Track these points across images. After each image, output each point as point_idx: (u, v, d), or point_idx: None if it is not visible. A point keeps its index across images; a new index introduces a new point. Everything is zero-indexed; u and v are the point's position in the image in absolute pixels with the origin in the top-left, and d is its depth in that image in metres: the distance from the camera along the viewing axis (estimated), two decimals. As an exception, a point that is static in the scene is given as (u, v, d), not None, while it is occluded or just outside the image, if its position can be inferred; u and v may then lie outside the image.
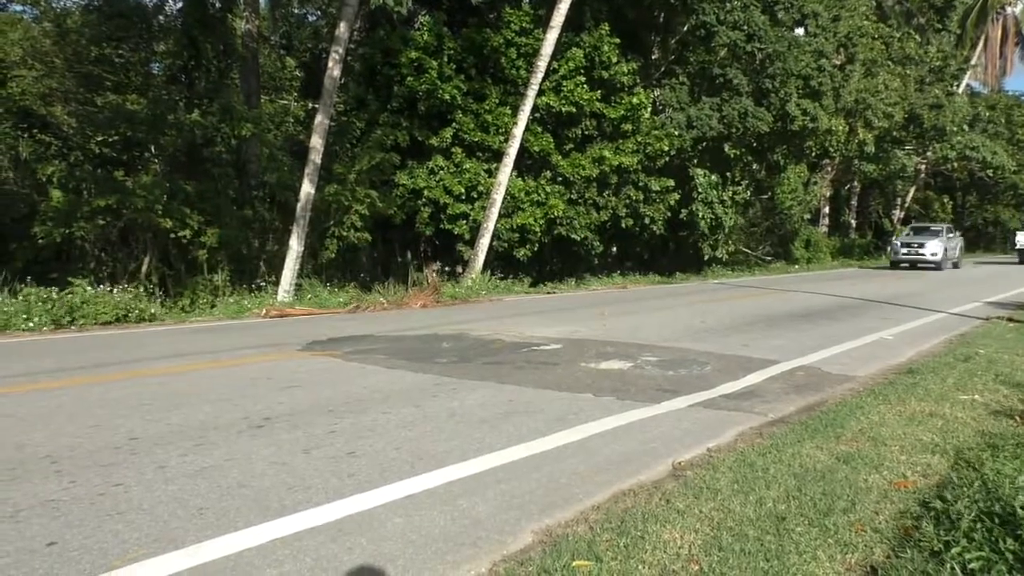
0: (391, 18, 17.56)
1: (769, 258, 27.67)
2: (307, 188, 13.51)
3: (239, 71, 16.94)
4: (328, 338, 8.57)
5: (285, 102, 23.96)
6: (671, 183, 19.18)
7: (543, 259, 19.14)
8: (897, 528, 2.95)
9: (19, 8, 19.94)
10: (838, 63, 22.32)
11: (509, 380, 6.03)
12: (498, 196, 16.10)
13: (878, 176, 32.86)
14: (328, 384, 5.91)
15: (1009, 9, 39.48)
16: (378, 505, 3.28)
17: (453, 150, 16.78)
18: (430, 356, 7.24)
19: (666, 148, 18.49)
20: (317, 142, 13.63)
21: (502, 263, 17.73)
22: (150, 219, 13.05)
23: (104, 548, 2.84)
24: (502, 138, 16.62)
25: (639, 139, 18.35)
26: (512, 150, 16.13)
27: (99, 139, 15.26)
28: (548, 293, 16.06)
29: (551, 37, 15.95)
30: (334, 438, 4.33)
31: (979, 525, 2.78)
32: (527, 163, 17.71)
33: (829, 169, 32.02)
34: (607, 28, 17.59)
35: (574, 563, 2.65)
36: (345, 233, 15.03)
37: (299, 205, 13.50)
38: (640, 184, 18.78)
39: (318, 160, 13.63)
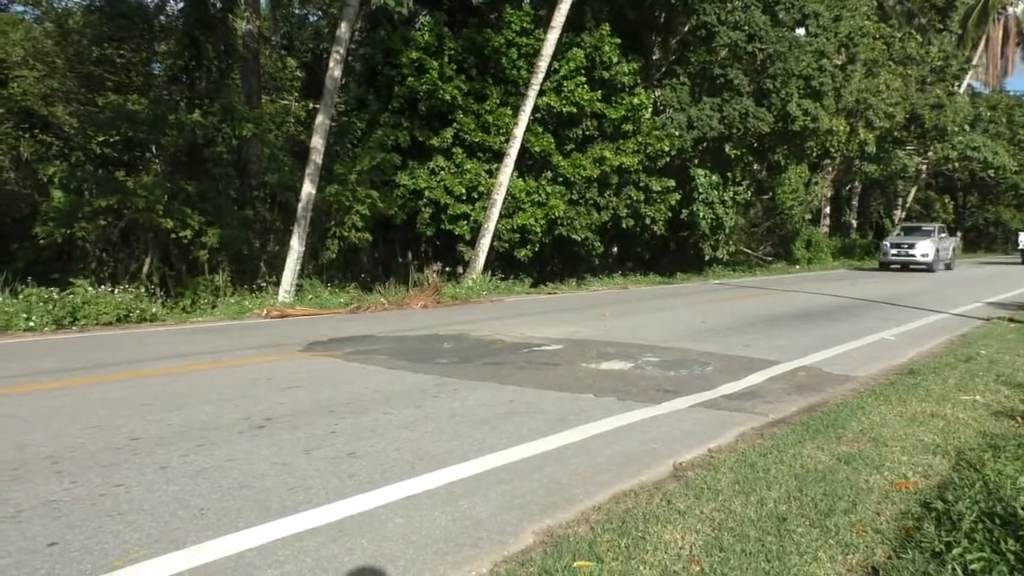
0: (392, 18, 17.56)
1: (770, 258, 27.65)
2: (308, 188, 13.52)
3: (240, 71, 16.94)
4: (329, 338, 8.57)
5: (286, 102, 23.96)
6: (672, 183, 19.17)
7: (544, 259, 19.14)
8: (898, 529, 2.94)
9: (20, 8, 19.99)
10: (839, 63, 22.31)
11: (510, 380, 6.03)
12: (499, 196, 16.10)
13: (879, 176, 32.85)
14: (329, 384, 5.92)
15: (1010, 9, 39.49)
16: (379, 505, 3.28)
17: (454, 150, 16.78)
18: (431, 356, 7.25)
19: (667, 148, 18.48)
20: (318, 142, 13.64)
21: (503, 264, 17.73)
22: (151, 219, 13.05)
23: (105, 548, 2.84)
24: (503, 138, 16.62)
25: (640, 139, 18.34)
26: (513, 150, 16.13)
27: (100, 139, 15.27)
28: (549, 294, 16.06)
29: (552, 37, 15.95)
30: (335, 439, 4.33)
31: (980, 526, 2.78)
32: (528, 163, 17.71)
33: (830, 169, 32.01)
34: (608, 28, 17.59)
35: (575, 564, 2.65)
36: (346, 233, 15.03)
37: (300, 205, 13.51)
38: (641, 184, 18.77)
39: (319, 160, 13.64)
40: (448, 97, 16.34)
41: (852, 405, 5.03)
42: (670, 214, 19.65)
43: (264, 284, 13.68)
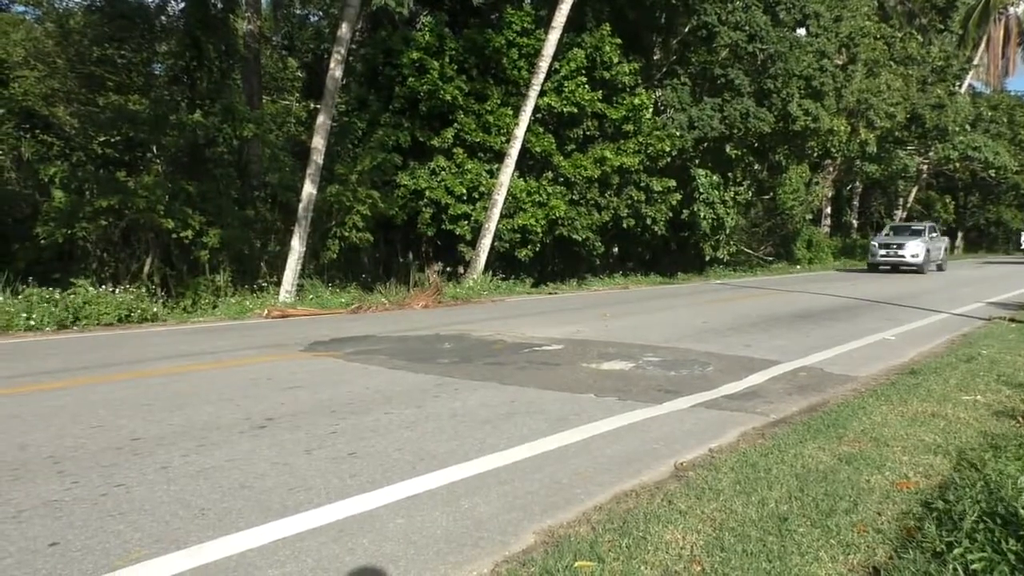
0: (393, 19, 17.58)
1: (771, 258, 27.63)
2: (309, 188, 13.53)
3: (241, 72, 16.95)
4: (330, 339, 8.58)
5: (287, 103, 23.99)
6: (673, 183, 19.18)
7: (545, 260, 19.14)
8: (899, 529, 2.94)
9: (21, 9, 20.04)
10: (840, 63, 22.31)
11: (511, 380, 6.03)
12: (500, 197, 16.10)
13: (880, 176, 32.83)
14: (330, 385, 5.92)
15: (1012, 9, 39.49)
16: (380, 506, 3.28)
17: (455, 151, 16.79)
18: (432, 357, 7.25)
19: (668, 148, 18.48)
20: (319, 142, 13.64)
21: (504, 264, 17.74)
22: (152, 219, 13.06)
23: (106, 548, 2.85)
24: (504, 139, 16.63)
25: (641, 139, 18.34)
26: (514, 151, 16.13)
27: (101, 139, 15.30)
28: (550, 294, 16.06)
29: (552, 38, 15.95)
30: (336, 439, 4.33)
31: (981, 526, 2.78)
32: (529, 164, 17.71)
33: (831, 169, 31.99)
34: (608, 29, 17.59)
35: (576, 564, 2.65)
36: (347, 234, 15.04)
37: (301, 206, 13.51)
38: (642, 184, 18.78)
39: (320, 160, 13.65)
40: (449, 97, 16.34)
41: (853, 405, 5.03)
42: (671, 214, 19.66)
43: (265, 284, 13.68)
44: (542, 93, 16.59)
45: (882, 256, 23.56)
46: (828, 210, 35.83)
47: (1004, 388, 5.51)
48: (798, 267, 26.99)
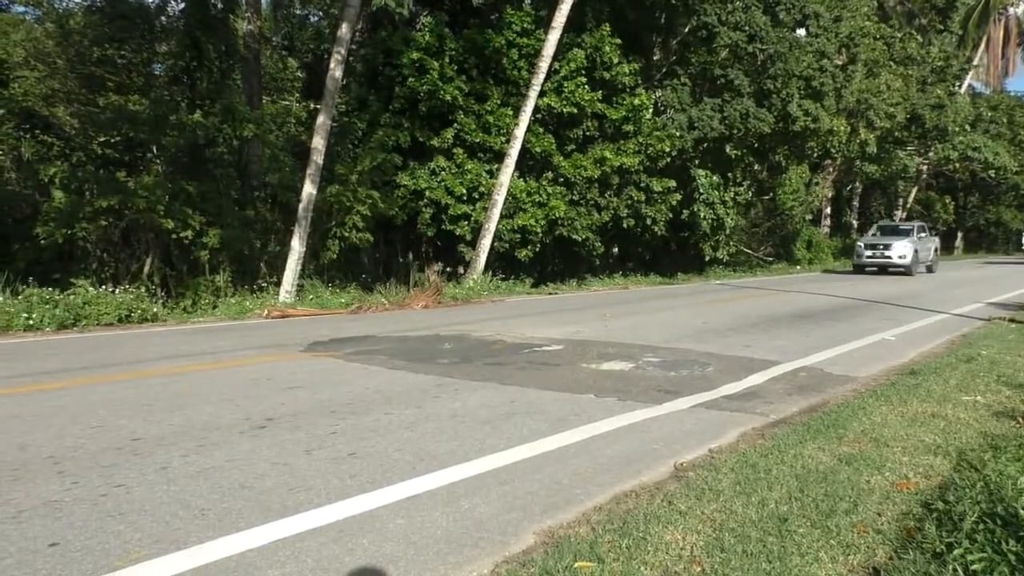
0: (393, 19, 17.58)
1: (771, 259, 27.64)
2: (309, 189, 13.53)
3: (241, 72, 16.95)
4: (330, 339, 8.58)
5: (287, 103, 23.99)
6: (673, 184, 19.18)
7: (544, 260, 19.15)
8: (899, 529, 2.94)
9: (21, 9, 20.04)
10: (840, 64, 22.32)
11: (511, 381, 6.03)
12: (499, 197, 16.10)
13: (880, 177, 32.84)
14: (330, 385, 5.92)
15: (1011, 10, 39.51)
16: (380, 506, 3.28)
17: (455, 151, 16.79)
18: (432, 357, 7.25)
19: (667, 149, 18.48)
20: (319, 143, 13.65)
21: (503, 264, 17.74)
22: (152, 220, 13.06)
23: (106, 549, 2.85)
24: (503, 139, 16.63)
25: (640, 140, 18.34)
26: (513, 151, 16.13)
27: (101, 140, 15.28)
28: (550, 294, 16.06)
29: (552, 38, 15.96)
30: (336, 439, 4.33)
31: (981, 526, 2.78)
32: (529, 164, 17.71)
33: (831, 170, 32.01)
34: (608, 29, 17.59)
35: (576, 564, 2.65)
36: (347, 234, 15.04)
37: (301, 206, 13.52)
38: (641, 185, 18.78)
39: (320, 161, 13.65)
40: (449, 97, 16.35)
41: (853, 405, 5.03)
42: (671, 214, 19.66)
43: (265, 284, 13.69)
44: (542, 93, 16.59)
45: (868, 257, 22.60)
46: (828, 210, 35.84)
47: (1004, 389, 5.51)
48: (798, 267, 26.98)
